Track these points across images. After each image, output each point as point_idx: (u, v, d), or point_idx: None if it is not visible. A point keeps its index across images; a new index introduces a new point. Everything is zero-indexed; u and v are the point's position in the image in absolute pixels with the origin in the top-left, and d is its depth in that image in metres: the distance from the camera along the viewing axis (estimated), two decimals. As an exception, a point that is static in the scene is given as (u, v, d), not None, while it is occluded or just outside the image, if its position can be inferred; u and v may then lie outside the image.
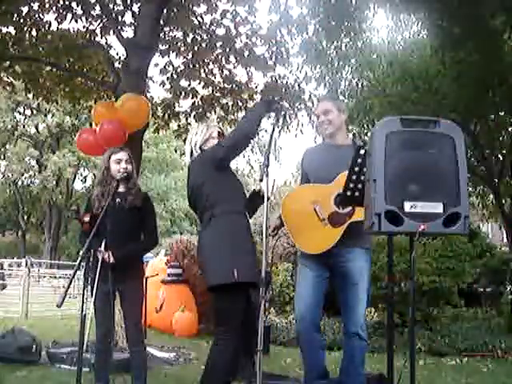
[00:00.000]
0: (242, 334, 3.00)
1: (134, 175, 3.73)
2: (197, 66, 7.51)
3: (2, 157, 31.98)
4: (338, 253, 3.11)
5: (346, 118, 3.37)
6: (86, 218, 3.32)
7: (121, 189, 3.59)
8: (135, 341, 3.54)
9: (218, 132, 3.37)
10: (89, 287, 3.19)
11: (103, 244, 3.32)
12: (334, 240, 3.09)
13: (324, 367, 3.23)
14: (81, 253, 3.16)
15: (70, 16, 6.73)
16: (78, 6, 6.70)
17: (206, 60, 7.56)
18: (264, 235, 2.90)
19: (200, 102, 7.62)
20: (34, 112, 30.65)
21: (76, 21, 6.83)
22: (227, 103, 7.70)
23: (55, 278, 17.22)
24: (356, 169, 2.82)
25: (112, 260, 3.33)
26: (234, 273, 2.90)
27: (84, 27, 6.98)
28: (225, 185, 3.14)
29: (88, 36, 6.99)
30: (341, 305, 3.20)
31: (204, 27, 7.32)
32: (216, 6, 7.32)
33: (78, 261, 3.15)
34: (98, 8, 6.74)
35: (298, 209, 3.23)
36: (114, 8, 6.87)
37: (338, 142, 3.31)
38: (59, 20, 6.77)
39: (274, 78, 7.56)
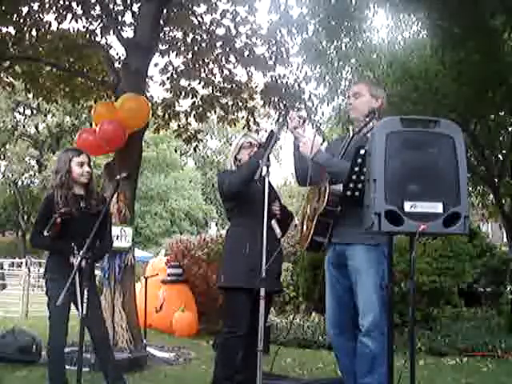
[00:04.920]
0: (248, 334, 3.19)
1: (93, 178, 3.69)
2: (197, 65, 7.51)
3: (2, 157, 32.00)
4: (341, 252, 3.08)
5: (379, 105, 3.13)
6: (59, 220, 3.31)
7: (81, 192, 3.53)
8: (102, 340, 3.55)
9: (250, 142, 3.56)
10: (86, 288, 3.17)
11: (75, 248, 3.28)
12: (309, 234, 3.11)
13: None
14: (81, 253, 3.16)
15: (70, 16, 6.72)
16: (77, 6, 6.70)
17: (205, 60, 7.56)
18: (264, 238, 2.94)
19: (200, 102, 7.61)
20: (34, 112, 30.67)
21: (76, 21, 6.83)
22: (227, 103, 7.70)
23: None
24: (356, 169, 2.81)
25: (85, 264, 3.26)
26: (221, 278, 3.40)
27: (84, 27, 6.97)
28: (233, 205, 3.50)
29: (88, 36, 6.97)
30: None
31: (204, 27, 7.32)
32: (216, 5, 7.32)
33: (77, 261, 3.16)
34: (98, 8, 6.74)
35: (304, 213, 3.37)
36: (114, 8, 6.87)
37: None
38: (59, 20, 6.76)
39: (273, 78, 7.55)
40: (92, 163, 3.67)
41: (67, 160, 3.51)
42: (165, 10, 6.43)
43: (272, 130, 3.32)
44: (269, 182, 3.30)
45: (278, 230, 3.39)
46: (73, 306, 3.39)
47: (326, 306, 3.22)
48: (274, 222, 3.37)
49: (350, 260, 3.04)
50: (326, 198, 2.98)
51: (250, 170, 3.25)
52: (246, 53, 7.40)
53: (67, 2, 6.72)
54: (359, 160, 2.78)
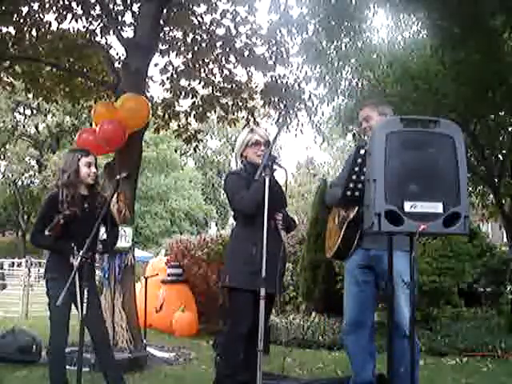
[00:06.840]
0: (249, 334, 3.17)
1: (99, 180, 3.70)
2: (197, 65, 7.51)
3: (2, 157, 32.03)
4: (377, 256, 3.12)
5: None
6: (62, 221, 3.32)
7: (85, 192, 3.54)
8: (102, 340, 3.56)
9: (257, 140, 3.38)
10: (86, 288, 3.17)
11: (75, 248, 3.29)
12: (337, 241, 3.20)
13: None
14: (81, 252, 3.16)
15: (70, 16, 6.74)
16: (78, 6, 6.71)
17: (205, 60, 7.56)
18: (264, 238, 2.96)
19: (200, 102, 7.61)
20: (34, 112, 30.69)
21: (76, 21, 6.84)
22: (227, 103, 7.69)
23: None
24: (356, 169, 2.83)
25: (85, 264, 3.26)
26: (224, 277, 3.37)
27: (84, 27, 6.98)
28: None
29: (88, 36, 6.98)
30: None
31: (204, 27, 7.32)
32: (216, 5, 7.32)
33: (77, 262, 3.16)
34: (98, 8, 6.75)
35: (330, 225, 3.46)
36: (114, 8, 6.88)
37: None
38: (59, 20, 6.77)
39: (273, 78, 7.55)
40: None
41: (75, 160, 3.52)
42: (165, 10, 6.43)
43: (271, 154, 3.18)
44: (280, 188, 3.29)
45: (283, 233, 3.44)
46: (73, 306, 3.40)
47: (345, 305, 3.33)
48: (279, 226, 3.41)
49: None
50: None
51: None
52: (246, 53, 7.40)
53: (67, 2, 6.73)
54: (359, 160, 2.79)
